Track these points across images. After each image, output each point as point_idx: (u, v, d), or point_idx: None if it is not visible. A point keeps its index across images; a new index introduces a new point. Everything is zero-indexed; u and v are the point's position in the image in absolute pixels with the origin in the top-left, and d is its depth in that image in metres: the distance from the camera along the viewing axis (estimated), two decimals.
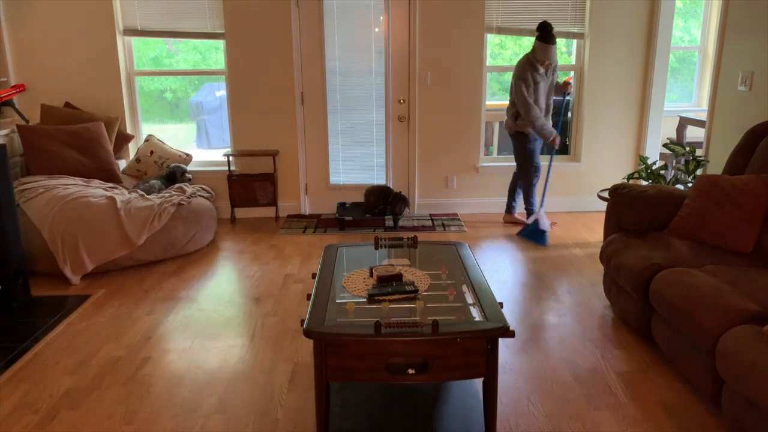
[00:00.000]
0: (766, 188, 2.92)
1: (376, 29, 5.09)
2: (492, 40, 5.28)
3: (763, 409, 1.97)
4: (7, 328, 3.29)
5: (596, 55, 5.15)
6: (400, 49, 5.13)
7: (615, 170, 5.43)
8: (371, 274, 2.56)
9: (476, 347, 2.09)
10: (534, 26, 5.13)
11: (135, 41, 5.25)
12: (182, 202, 4.38)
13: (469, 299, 2.34)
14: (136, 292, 3.79)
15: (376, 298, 2.33)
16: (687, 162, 4.26)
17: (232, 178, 5.16)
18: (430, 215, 5.38)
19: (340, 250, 2.94)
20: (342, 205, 5.24)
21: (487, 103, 5.39)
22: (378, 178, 5.43)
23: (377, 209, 4.99)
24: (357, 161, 5.40)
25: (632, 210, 3.33)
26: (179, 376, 2.80)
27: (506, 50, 6.35)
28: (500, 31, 5.13)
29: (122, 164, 5.06)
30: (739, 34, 3.92)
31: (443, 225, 5.10)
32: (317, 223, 5.22)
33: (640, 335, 3.12)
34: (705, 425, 2.39)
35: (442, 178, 5.42)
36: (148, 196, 4.35)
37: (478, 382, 2.62)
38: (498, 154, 6.54)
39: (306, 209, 5.49)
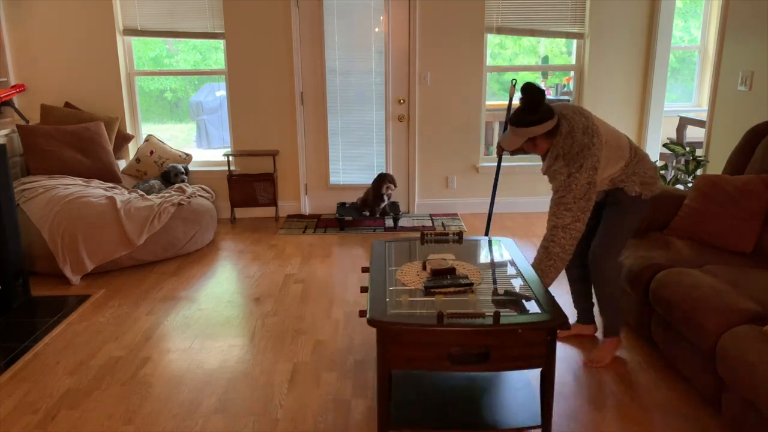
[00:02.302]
0: (766, 188, 2.92)
1: (376, 29, 5.09)
2: (492, 40, 5.28)
3: (763, 409, 1.97)
4: (7, 328, 3.29)
5: (596, 55, 5.15)
6: (400, 49, 5.13)
7: None
8: (424, 268, 2.61)
9: (536, 338, 2.13)
10: (534, 26, 5.13)
11: (135, 41, 5.25)
12: (182, 202, 4.38)
13: (524, 292, 2.39)
14: (136, 292, 3.79)
15: (433, 290, 2.38)
16: (687, 162, 4.26)
17: (232, 178, 5.16)
18: (430, 215, 5.39)
19: (387, 244, 3.01)
20: (342, 205, 5.24)
21: (487, 103, 5.40)
22: None
23: (373, 201, 4.99)
24: (357, 161, 5.40)
25: None
26: (179, 376, 2.80)
27: (506, 50, 6.35)
28: (500, 31, 5.13)
29: (122, 164, 5.06)
30: (739, 34, 3.92)
31: (443, 225, 5.10)
32: (317, 223, 5.22)
33: (640, 335, 3.11)
34: (705, 425, 2.39)
35: (442, 178, 5.42)
36: (148, 196, 4.35)
37: (527, 373, 2.66)
38: None
39: (306, 209, 5.49)
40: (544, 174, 2.72)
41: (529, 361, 2.15)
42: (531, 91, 2.56)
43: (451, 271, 2.50)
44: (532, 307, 2.23)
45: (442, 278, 2.45)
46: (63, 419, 2.48)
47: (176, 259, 4.36)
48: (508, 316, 2.14)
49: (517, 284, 2.46)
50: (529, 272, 2.55)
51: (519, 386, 2.53)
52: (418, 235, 3.49)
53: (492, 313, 2.11)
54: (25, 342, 3.12)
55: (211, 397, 2.63)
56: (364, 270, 2.86)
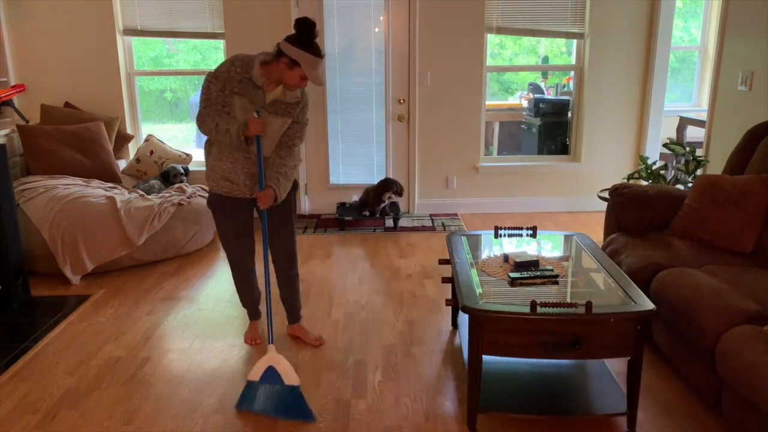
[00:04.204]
0: (766, 188, 2.92)
1: (376, 29, 5.09)
2: (492, 40, 5.28)
3: (764, 409, 1.97)
4: (7, 328, 3.29)
5: (596, 55, 5.15)
6: (400, 49, 5.13)
7: (615, 170, 5.43)
8: (506, 260, 2.68)
9: (627, 328, 2.19)
10: (534, 26, 5.13)
11: (135, 41, 5.25)
12: (182, 202, 4.38)
13: (609, 284, 2.44)
14: (136, 292, 3.79)
15: (519, 281, 2.45)
16: (687, 162, 4.26)
17: None
18: (430, 215, 5.38)
19: (462, 238, 3.08)
20: (342, 205, 5.24)
21: (487, 103, 5.40)
22: (378, 178, 5.42)
23: (377, 201, 4.99)
24: (357, 161, 5.40)
25: (632, 210, 3.32)
26: (179, 376, 2.80)
27: (506, 50, 6.36)
28: (500, 31, 5.13)
29: (122, 164, 5.06)
30: (739, 34, 3.92)
31: (443, 225, 5.10)
32: (317, 222, 5.22)
33: None
34: (705, 426, 2.39)
35: (442, 178, 5.42)
36: (148, 196, 4.35)
37: (606, 362, 2.71)
38: (498, 154, 6.55)
39: (306, 209, 5.49)
40: (269, 104, 2.67)
41: (618, 350, 2.21)
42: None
43: (535, 263, 2.57)
44: (618, 298, 2.30)
45: (527, 270, 2.52)
46: (63, 419, 2.48)
47: (176, 259, 4.36)
48: (600, 306, 2.20)
49: (599, 277, 2.53)
50: (612, 266, 2.62)
51: (598, 374, 2.59)
52: (488, 229, 3.78)
53: (584, 303, 2.17)
54: (25, 342, 3.12)
55: (211, 397, 2.63)
56: (442, 262, 3.01)
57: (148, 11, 5.01)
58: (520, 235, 3.10)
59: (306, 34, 2.53)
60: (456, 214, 5.40)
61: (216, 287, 3.85)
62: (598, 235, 4.80)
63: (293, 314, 3.14)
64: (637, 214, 3.31)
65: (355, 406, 2.56)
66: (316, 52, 2.54)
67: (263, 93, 2.64)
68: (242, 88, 2.61)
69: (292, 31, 2.56)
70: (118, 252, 4.01)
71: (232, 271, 3.03)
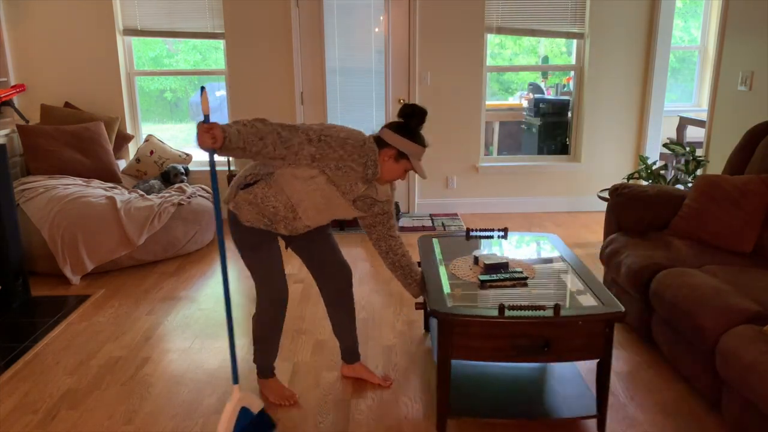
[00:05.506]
0: (766, 188, 2.92)
1: (376, 29, 5.09)
2: (492, 40, 5.28)
3: (763, 409, 1.97)
4: (7, 328, 3.29)
5: (596, 55, 5.15)
6: (400, 49, 5.13)
7: (615, 170, 5.43)
8: (476, 262, 2.66)
9: (596, 330, 2.18)
10: (534, 26, 5.13)
11: (135, 41, 5.25)
12: (182, 202, 4.38)
13: (578, 286, 2.43)
14: (136, 292, 3.79)
15: (489, 284, 2.44)
16: (687, 162, 4.26)
17: (232, 178, 5.15)
18: (430, 215, 5.39)
19: (434, 240, 3.07)
20: None
21: (487, 103, 5.40)
22: None
23: None
24: None
25: (632, 210, 3.32)
26: (179, 376, 2.80)
27: (506, 50, 6.36)
28: (500, 31, 5.13)
29: (122, 164, 5.06)
30: (739, 34, 3.92)
31: (443, 225, 5.10)
32: None
33: (640, 335, 3.11)
34: (705, 426, 2.39)
35: (442, 178, 5.42)
36: (148, 196, 4.35)
37: (577, 365, 2.72)
38: (498, 154, 6.55)
39: None
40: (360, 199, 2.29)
41: (587, 352, 2.21)
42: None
43: (505, 265, 2.56)
44: (587, 300, 2.29)
45: (496, 272, 2.51)
46: (63, 419, 2.48)
47: (176, 259, 4.36)
48: (569, 308, 2.19)
49: (568, 279, 2.51)
50: (582, 267, 2.61)
51: (569, 378, 2.58)
52: (456, 231, 3.73)
53: (552, 305, 2.16)
54: (25, 342, 3.12)
55: (211, 397, 2.63)
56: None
57: (148, 11, 5.01)
58: (491, 237, 3.05)
59: (416, 124, 2.22)
60: (456, 214, 5.40)
61: (216, 287, 3.85)
62: (598, 235, 4.80)
63: (353, 351, 2.73)
64: (637, 214, 3.31)
65: (355, 406, 2.56)
66: (424, 142, 2.23)
67: (359, 188, 2.23)
68: (337, 176, 2.16)
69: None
70: (118, 252, 4.01)
71: (264, 314, 2.48)
